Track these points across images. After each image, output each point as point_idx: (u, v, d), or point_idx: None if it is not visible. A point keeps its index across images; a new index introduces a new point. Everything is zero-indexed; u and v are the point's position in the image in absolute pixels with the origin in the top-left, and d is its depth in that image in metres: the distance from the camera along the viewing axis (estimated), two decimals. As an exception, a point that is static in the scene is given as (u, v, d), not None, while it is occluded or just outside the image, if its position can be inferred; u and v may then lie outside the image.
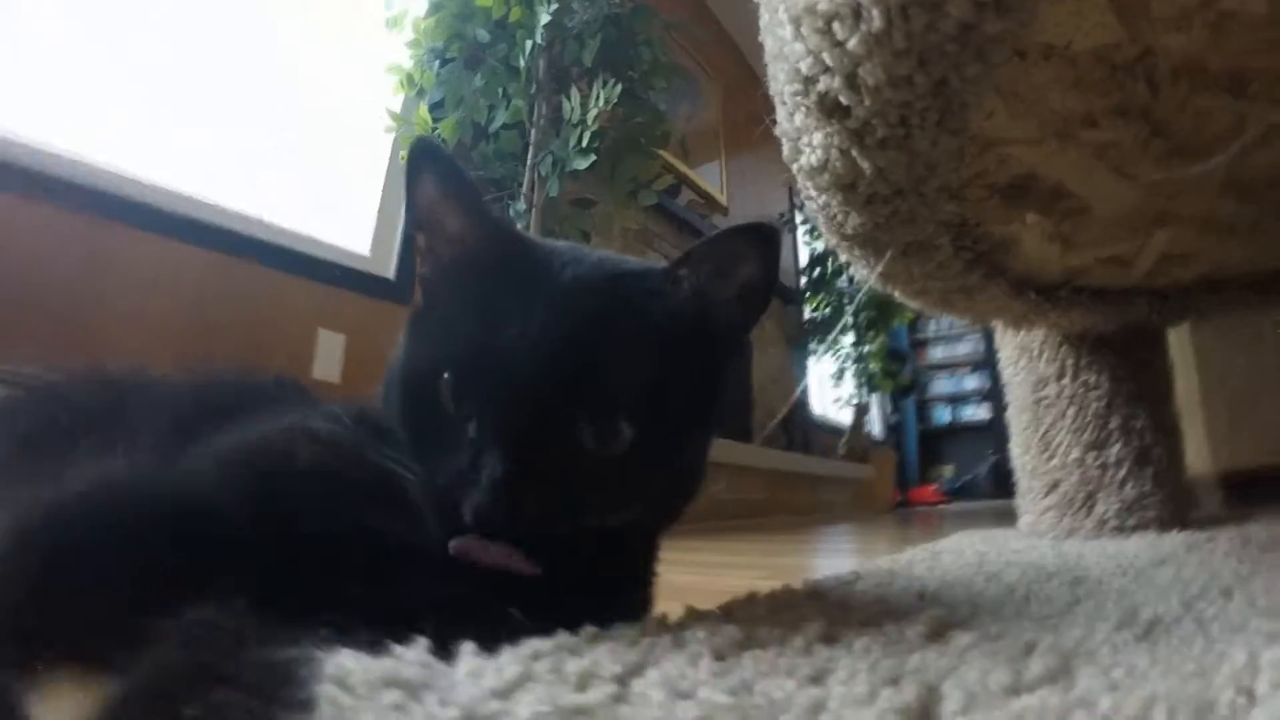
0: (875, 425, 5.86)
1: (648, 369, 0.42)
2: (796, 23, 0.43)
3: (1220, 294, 1.02)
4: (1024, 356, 1.13)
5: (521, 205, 2.30)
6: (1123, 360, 1.07)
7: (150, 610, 0.30)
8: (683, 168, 3.68)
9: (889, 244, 0.65)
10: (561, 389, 0.39)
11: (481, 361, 0.40)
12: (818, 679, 0.31)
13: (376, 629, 0.32)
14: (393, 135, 2.49)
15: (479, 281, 0.44)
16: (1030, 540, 1.05)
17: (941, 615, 0.43)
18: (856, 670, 0.32)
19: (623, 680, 0.30)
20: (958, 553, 0.91)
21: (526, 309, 0.41)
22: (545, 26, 2.23)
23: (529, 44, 2.26)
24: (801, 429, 4.37)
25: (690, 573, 1.03)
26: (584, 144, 2.21)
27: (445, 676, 0.29)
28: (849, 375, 4.89)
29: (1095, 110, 0.58)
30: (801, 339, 4.63)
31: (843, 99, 0.44)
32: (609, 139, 2.33)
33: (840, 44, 0.41)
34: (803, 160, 0.55)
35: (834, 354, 4.84)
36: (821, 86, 0.44)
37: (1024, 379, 1.14)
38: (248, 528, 0.37)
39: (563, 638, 0.35)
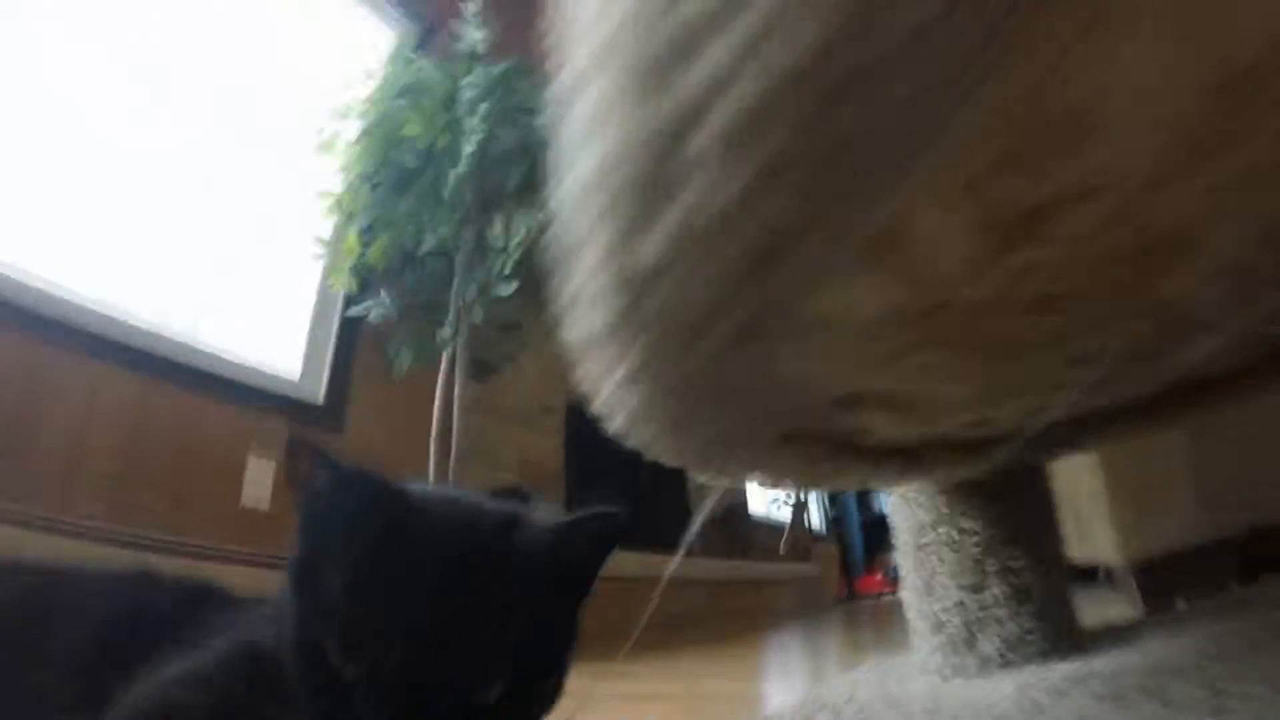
0: (815, 519, 5.95)
1: (520, 630, 0.48)
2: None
3: (1088, 427, 1.10)
4: (905, 505, 1.20)
5: (448, 331, 2.36)
6: (996, 502, 1.14)
7: None
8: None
9: (720, 471, 0.73)
10: (444, 659, 0.45)
11: (369, 631, 0.45)
12: None
13: None
14: (322, 262, 2.54)
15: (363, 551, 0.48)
16: (924, 685, 1.11)
17: None
18: None
19: None
20: (850, 699, 0.97)
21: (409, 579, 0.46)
22: (469, 155, 2.30)
23: (452, 174, 2.34)
24: (742, 530, 4.43)
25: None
26: (507, 271, 2.28)
27: None
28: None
29: (905, 345, 0.65)
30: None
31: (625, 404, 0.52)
32: (534, 264, 2.38)
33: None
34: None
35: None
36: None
37: (907, 525, 1.20)
38: None
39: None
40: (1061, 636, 1.13)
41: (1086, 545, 1.98)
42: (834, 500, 6.25)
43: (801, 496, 5.13)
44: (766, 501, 5.55)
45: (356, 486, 0.50)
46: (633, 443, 0.62)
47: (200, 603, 0.66)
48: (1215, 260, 0.59)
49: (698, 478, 0.82)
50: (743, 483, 0.87)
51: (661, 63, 0.32)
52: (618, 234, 0.38)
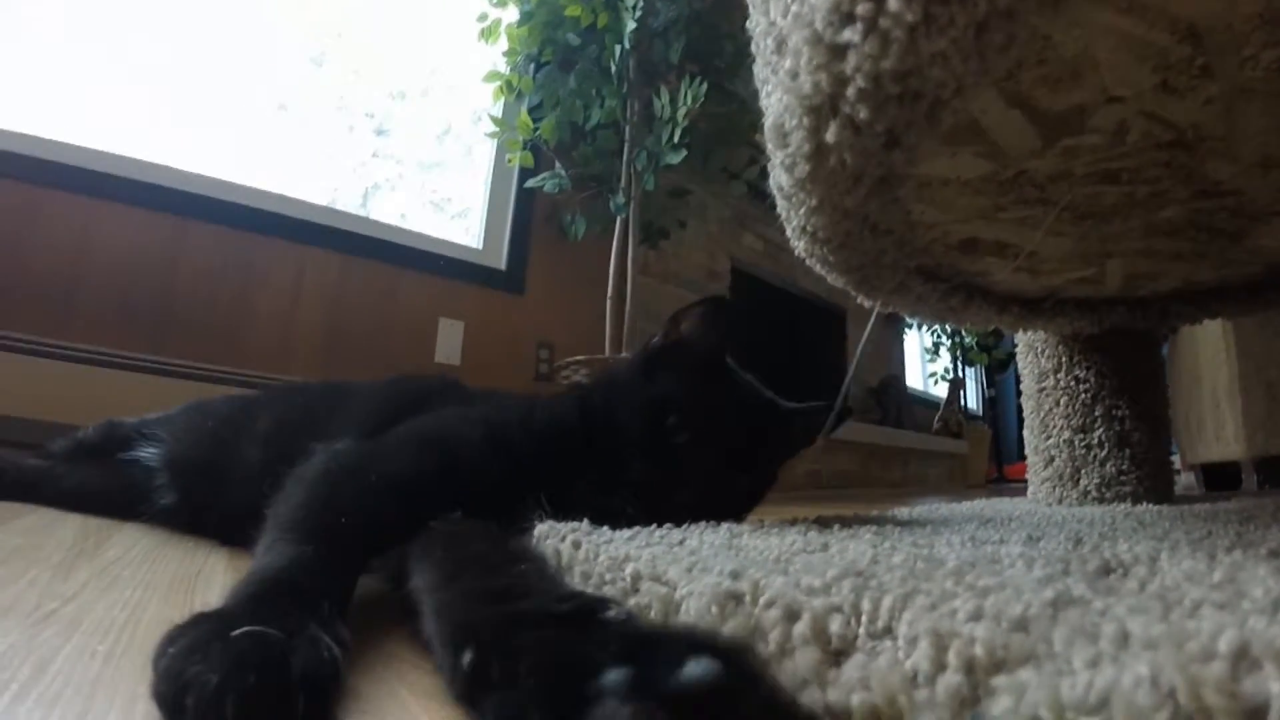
0: (971, 400, 6.05)
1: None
2: (780, 189, 0.77)
3: (1195, 303, 1.29)
4: (1030, 352, 1.45)
5: (621, 199, 2.64)
6: (1109, 358, 1.37)
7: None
8: (773, 148, 3.93)
9: (873, 290, 1.00)
10: (734, 450, 0.80)
11: (699, 417, 0.78)
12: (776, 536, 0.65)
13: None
14: (495, 140, 2.84)
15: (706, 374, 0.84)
16: (1029, 504, 1.37)
17: (880, 528, 0.75)
18: (788, 531, 0.66)
19: (684, 540, 0.61)
20: (969, 509, 1.23)
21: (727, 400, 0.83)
22: (631, 31, 2.50)
23: (617, 48, 2.56)
24: (896, 403, 4.62)
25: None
26: (675, 139, 2.48)
27: (600, 533, 0.62)
28: (944, 350, 5.09)
29: (1001, 203, 0.90)
30: (897, 313, 4.84)
31: (807, 229, 0.79)
32: (699, 132, 2.62)
33: (794, 209, 0.76)
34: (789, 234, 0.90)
35: (929, 328, 5.06)
36: (795, 222, 0.79)
37: (1030, 371, 1.45)
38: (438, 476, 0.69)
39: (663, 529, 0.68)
40: (1155, 484, 1.36)
41: (1221, 443, 2.13)
42: (992, 381, 6.31)
43: (959, 373, 5.27)
44: (923, 376, 5.71)
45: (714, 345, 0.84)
46: (811, 260, 0.90)
47: (452, 386, 0.97)
48: (1251, 152, 0.80)
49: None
50: (889, 309, 1.12)
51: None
52: (810, 113, 0.63)
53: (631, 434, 0.78)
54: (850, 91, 0.57)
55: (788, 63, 0.63)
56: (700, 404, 0.79)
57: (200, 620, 0.36)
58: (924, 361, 5.66)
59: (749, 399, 0.86)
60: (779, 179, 0.75)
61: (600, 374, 0.91)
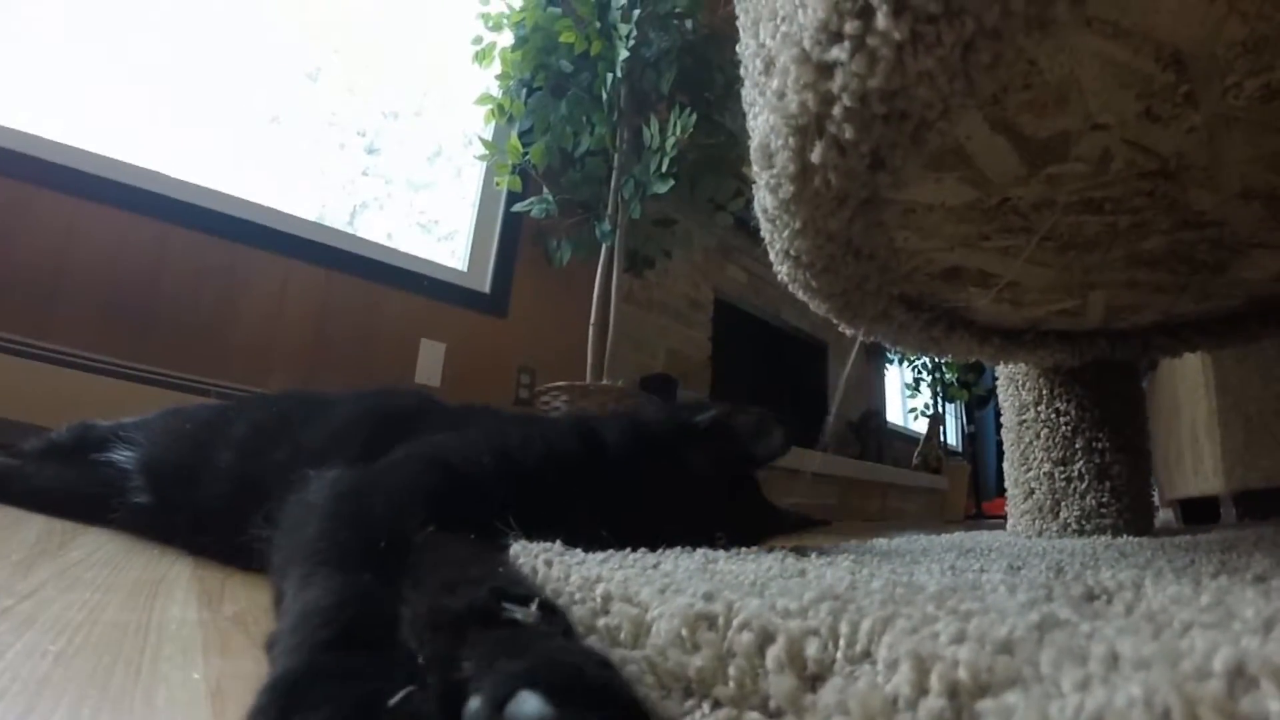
0: (951, 436, 6.06)
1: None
2: (764, 211, 0.77)
3: (1176, 336, 1.29)
4: (1011, 385, 1.44)
5: (607, 226, 2.65)
6: (1090, 391, 1.36)
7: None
8: (759, 180, 3.97)
9: (855, 317, 0.99)
10: None
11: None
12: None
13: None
14: (485, 163, 2.84)
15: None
16: (1008, 536, 1.36)
17: (859, 556, 0.75)
18: (764, 557, 0.65)
19: (658, 564, 0.60)
20: (948, 540, 1.22)
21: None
22: (624, 60, 2.51)
23: (609, 76, 2.57)
24: (876, 437, 4.63)
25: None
26: (664, 169, 2.50)
27: (572, 554, 0.60)
28: (924, 386, 5.11)
29: (985, 231, 0.89)
30: (878, 348, 4.88)
31: (790, 252, 0.78)
32: (687, 162, 2.64)
33: (778, 231, 0.75)
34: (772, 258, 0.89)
35: (910, 364, 5.08)
36: (778, 246, 0.79)
37: (1011, 403, 1.45)
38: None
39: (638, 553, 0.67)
40: (1135, 516, 1.35)
41: (1200, 478, 2.13)
42: (971, 417, 6.33)
43: (939, 409, 5.28)
44: (904, 412, 5.73)
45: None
46: (794, 285, 0.90)
47: (435, 405, 0.97)
48: (1233, 182, 0.80)
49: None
50: (871, 338, 1.12)
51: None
52: (794, 130, 0.63)
53: (647, 480, 0.82)
54: (836, 110, 0.56)
55: (775, 83, 0.63)
56: (721, 485, 0.89)
57: (316, 681, 0.29)
58: (904, 397, 5.70)
59: (757, 500, 0.97)
60: (763, 200, 0.75)
61: (620, 413, 0.96)
